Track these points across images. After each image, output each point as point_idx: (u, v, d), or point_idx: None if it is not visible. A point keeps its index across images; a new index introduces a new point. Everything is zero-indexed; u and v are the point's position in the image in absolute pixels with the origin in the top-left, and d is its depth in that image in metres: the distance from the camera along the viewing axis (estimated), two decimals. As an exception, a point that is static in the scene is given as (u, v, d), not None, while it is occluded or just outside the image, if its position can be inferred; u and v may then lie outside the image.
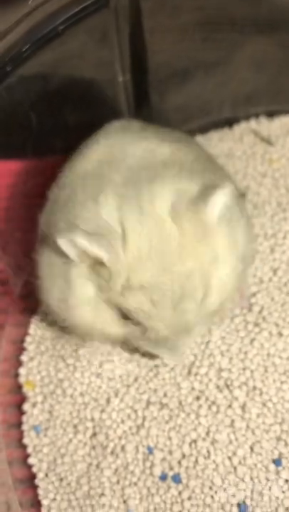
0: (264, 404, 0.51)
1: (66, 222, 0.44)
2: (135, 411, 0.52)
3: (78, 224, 0.43)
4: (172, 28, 0.57)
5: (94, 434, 0.52)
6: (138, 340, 0.47)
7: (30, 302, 0.57)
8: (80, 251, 0.42)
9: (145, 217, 0.42)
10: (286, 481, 0.49)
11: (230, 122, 0.66)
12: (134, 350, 0.53)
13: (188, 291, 0.43)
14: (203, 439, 0.50)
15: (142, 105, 0.59)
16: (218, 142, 0.65)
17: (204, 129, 0.65)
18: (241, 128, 0.66)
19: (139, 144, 0.49)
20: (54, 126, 0.53)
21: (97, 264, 0.42)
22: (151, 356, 0.53)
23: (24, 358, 0.57)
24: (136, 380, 0.53)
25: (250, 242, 0.51)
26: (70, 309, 0.46)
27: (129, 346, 0.52)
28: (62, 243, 0.41)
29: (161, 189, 0.44)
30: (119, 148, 0.49)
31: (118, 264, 0.42)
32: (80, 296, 0.45)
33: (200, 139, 0.65)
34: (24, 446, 0.53)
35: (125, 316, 0.44)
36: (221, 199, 0.42)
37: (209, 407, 0.51)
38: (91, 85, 0.55)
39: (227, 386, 0.52)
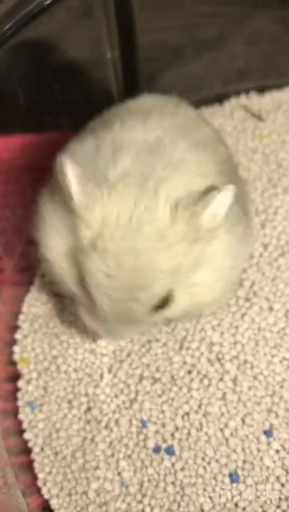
0: (255, 377, 0.52)
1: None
2: (128, 386, 0.53)
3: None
4: (161, 2, 0.57)
5: (88, 409, 0.53)
6: (82, 307, 0.45)
7: (24, 279, 0.57)
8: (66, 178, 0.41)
9: (139, 192, 0.41)
10: (277, 451, 0.50)
11: (220, 98, 0.66)
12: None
13: (146, 285, 0.40)
14: (196, 412, 0.51)
15: (131, 82, 0.59)
16: (208, 118, 0.65)
17: (195, 105, 0.65)
18: (232, 104, 0.66)
19: (192, 110, 0.51)
20: (42, 103, 0.52)
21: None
22: (88, 331, 0.51)
23: (18, 335, 0.57)
24: (129, 355, 0.54)
25: (249, 252, 0.50)
26: (48, 235, 0.44)
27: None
28: (60, 161, 0.40)
29: (174, 176, 0.42)
30: (174, 104, 0.50)
31: (90, 215, 0.40)
32: (60, 230, 0.44)
33: (191, 115, 0.65)
34: (20, 421, 0.54)
35: (82, 277, 0.43)
36: (221, 201, 0.41)
37: (201, 381, 0.52)
38: (79, 62, 0.54)
39: (218, 360, 0.53)
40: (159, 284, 0.41)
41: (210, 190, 0.42)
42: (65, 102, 0.54)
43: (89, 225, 0.41)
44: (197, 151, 0.45)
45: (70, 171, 0.40)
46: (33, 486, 0.51)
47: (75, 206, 0.41)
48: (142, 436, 0.51)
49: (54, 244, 0.44)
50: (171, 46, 0.62)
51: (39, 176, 0.49)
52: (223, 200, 0.41)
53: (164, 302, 0.42)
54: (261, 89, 0.66)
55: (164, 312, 0.43)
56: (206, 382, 0.52)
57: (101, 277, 0.41)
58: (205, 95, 0.65)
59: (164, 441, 0.51)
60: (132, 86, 0.59)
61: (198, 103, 0.66)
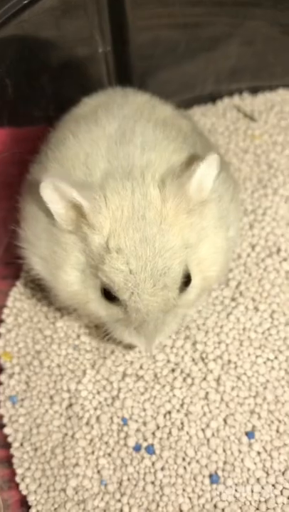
0: (239, 378, 0.51)
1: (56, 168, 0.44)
2: (111, 383, 0.52)
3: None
4: (155, 0, 0.57)
5: (70, 405, 0.52)
6: (116, 327, 0.45)
7: (9, 273, 0.57)
8: (61, 199, 0.41)
9: (130, 182, 0.41)
10: (258, 453, 0.49)
11: (213, 98, 0.66)
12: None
13: (167, 268, 0.41)
14: (178, 411, 0.51)
15: (123, 78, 0.59)
16: (200, 117, 0.65)
17: (187, 104, 0.65)
18: (224, 103, 0.66)
19: (141, 95, 0.49)
20: (32, 95, 0.52)
21: (79, 219, 0.41)
22: (127, 346, 0.52)
23: (2, 329, 0.57)
24: (112, 352, 0.54)
25: (239, 219, 0.51)
26: (56, 272, 0.44)
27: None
28: (45, 187, 0.40)
29: (155, 157, 0.43)
30: (120, 95, 0.49)
31: (100, 216, 0.41)
32: (67, 262, 0.43)
33: (183, 114, 0.65)
34: (1, 415, 0.53)
35: (108, 295, 0.43)
36: (205, 171, 0.42)
37: (184, 380, 0.52)
38: (70, 54, 0.54)
39: (202, 359, 0.52)
40: (177, 262, 0.41)
41: (192, 161, 0.42)
42: (55, 95, 0.54)
43: (100, 228, 0.41)
44: (165, 128, 0.45)
45: (64, 185, 0.40)
46: (11, 482, 0.51)
47: (85, 214, 0.41)
48: (122, 435, 0.51)
49: (68, 278, 0.44)
50: (165, 44, 0.62)
51: (27, 169, 0.49)
52: (207, 168, 0.42)
53: (187, 281, 0.43)
54: (254, 90, 0.66)
55: (188, 293, 0.44)
56: (189, 381, 0.51)
57: (125, 276, 0.41)
58: (198, 94, 0.65)
59: (145, 439, 0.50)
60: (124, 81, 0.58)
61: (191, 102, 0.65)
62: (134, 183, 0.41)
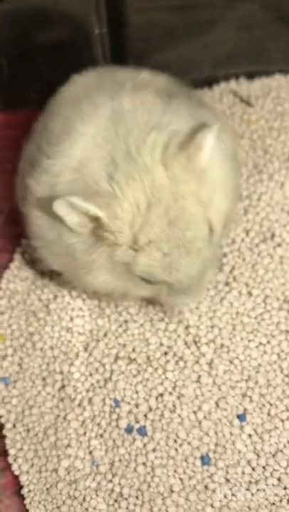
0: (231, 362, 0.52)
1: (46, 160, 0.44)
2: (103, 365, 0.53)
3: (56, 162, 0.43)
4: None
5: (62, 387, 0.53)
6: (164, 297, 0.47)
7: (2, 256, 0.56)
8: (78, 214, 0.41)
9: (136, 169, 0.41)
10: (249, 435, 0.50)
11: (210, 82, 0.66)
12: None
13: (195, 231, 0.42)
14: (170, 394, 0.51)
15: (120, 60, 0.58)
16: (197, 102, 0.64)
17: (184, 88, 0.65)
18: (221, 88, 0.66)
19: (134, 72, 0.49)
20: (27, 76, 0.52)
21: (98, 228, 0.42)
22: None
23: (-5, 311, 0.57)
24: (105, 334, 0.54)
25: (238, 169, 0.51)
26: (86, 278, 0.45)
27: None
28: (59, 205, 0.41)
29: (154, 134, 0.43)
30: (109, 73, 0.49)
31: (117, 222, 0.41)
32: (93, 265, 0.44)
33: (179, 98, 0.64)
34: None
35: (146, 279, 0.44)
36: (209, 140, 0.42)
37: (176, 363, 0.52)
38: (65, 35, 0.53)
39: (195, 343, 0.52)
40: (202, 226, 0.43)
41: (196, 131, 0.42)
42: (51, 76, 0.53)
43: (120, 230, 0.41)
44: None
45: (78, 201, 0.40)
46: (3, 462, 0.51)
47: (103, 224, 0.41)
48: (114, 416, 0.51)
49: (100, 280, 0.45)
50: (162, 27, 0.61)
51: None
52: (213, 139, 0.42)
53: (211, 228, 0.44)
54: (251, 75, 0.66)
55: (214, 239, 0.45)
56: (181, 364, 0.52)
57: (161, 261, 0.42)
58: (195, 78, 0.65)
59: (137, 421, 0.51)
60: (120, 64, 0.58)
61: (188, 86, 0.65)
62: (139, 170, 0.41)
